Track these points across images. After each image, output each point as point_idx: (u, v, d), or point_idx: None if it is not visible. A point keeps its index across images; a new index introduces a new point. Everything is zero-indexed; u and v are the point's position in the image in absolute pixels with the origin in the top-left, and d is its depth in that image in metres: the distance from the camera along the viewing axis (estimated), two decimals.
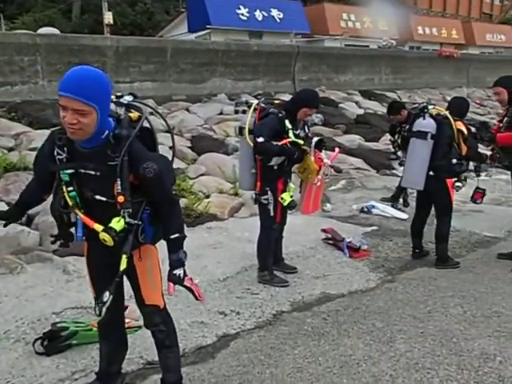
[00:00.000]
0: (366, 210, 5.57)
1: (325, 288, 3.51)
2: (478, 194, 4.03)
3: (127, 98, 1.94)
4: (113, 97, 1.88)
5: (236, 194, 5.95)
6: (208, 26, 19.02)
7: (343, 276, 3.74)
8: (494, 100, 4.22)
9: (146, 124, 1.96)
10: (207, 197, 5.89)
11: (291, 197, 3.40)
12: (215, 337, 2.81)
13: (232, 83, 12.01)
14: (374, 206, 5.61)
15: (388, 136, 5.83)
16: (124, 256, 1.86)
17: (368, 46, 20.47)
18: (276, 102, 3.56)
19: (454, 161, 3.68)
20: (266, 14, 20.94)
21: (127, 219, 1.84)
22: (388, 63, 15.73)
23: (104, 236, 1.81)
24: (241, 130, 3.45)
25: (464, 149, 3.78)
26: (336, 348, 2.69)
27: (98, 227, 1.85)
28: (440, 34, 29.41)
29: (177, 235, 1.95)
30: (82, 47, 9.30)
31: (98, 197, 1.87)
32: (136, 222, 1.88)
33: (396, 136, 5.59)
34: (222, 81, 11.82)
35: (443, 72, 17.22)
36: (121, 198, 1.80)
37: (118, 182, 1.80)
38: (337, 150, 4.05)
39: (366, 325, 2.96)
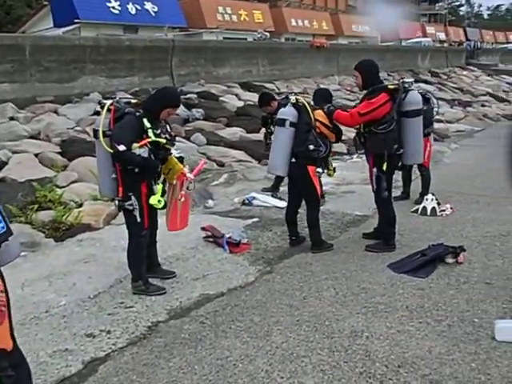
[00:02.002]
0: (247, 202, 5.60)
1: (204, 289, 3.42)
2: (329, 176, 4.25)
3: None
4: None
5: (113, 200, 5.58)
6: (76, 21, 17.72)
7: (223, 274, 3.68)
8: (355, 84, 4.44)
9: None
10: (80, 205, 5.45)
11: (162, 196, 3.22)
12: (81, 364, 2.55)
13: (105, 81, 11.30)
14: (254, 198, 5.66)
15: None
16: None
17: (246, 39, 20.81)
18: (133, 101, 3.34)
19: (311, 147, 3.81)
20: (139, 8, 20.12)
21: None
22: (265, 55, 16.11)
23: None
24: (95, 132, 3.17)
25: (332, 136, 3.95)
26: (213, 352, 2.61)
27: None
28: (312, 26, 31.03)
29: None
30: None
31: None
32: None
33: (268, 127, 5.72)
34: (93, 79, 11.06)
35: (316, 62, 18.16)
36: None
37: None
38: (201, 162, 3.93)
39: (244, 321, 2.93)
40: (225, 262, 3.92)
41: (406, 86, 3.80)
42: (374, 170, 3.91)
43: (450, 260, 3.67)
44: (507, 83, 25.73)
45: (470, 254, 3.80)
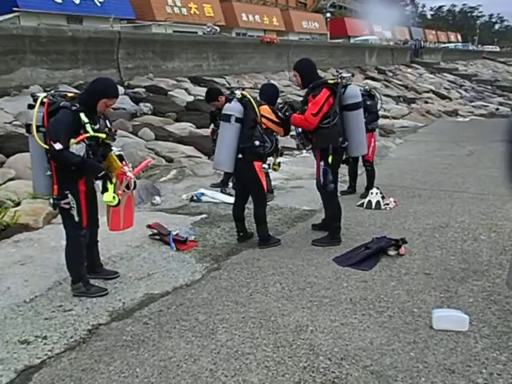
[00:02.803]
0: (195, 198, 5.52)
1: (148, 289, 3.32)
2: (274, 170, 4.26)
3: None
4: None
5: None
6: (15, 9, 16.73)
7: (169, 272, 3.60)
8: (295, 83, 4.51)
9: None
10: (17, 204, 5.15)
11: (114, 192, 3.08)
12: (14, 373, 2.40)
13: (47, 73, 10.78)
14: (203, 194, 5.59)
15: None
16: None
17: (197, 33, 20.52)
18: (69, 94, 3.16)
19: (257, 143, 3.80)
20: None
21: None
22: (215, 49, 15.97)
23: None
24: (28, 127, 2.98)
25: (280, 130, 3.95)
26: (156, 353, 2.54)
27: None
28: (263, 21, 31.10)
29: None
30: None
31: None
32: None
33: (216, 123, 5.66)
34: (33, 71, 10.52)
35: (266, 57, 18.25)
36: None
37: None
38: (146, 160, 3.82)
39: (189, 320, 2.87)
40: (171, 260, 3.84)
41: (344, 80, 3.89)
42: (322, 163, 3.96)
43: (392, 252, 3.78)
44: (448, 81, 27.06)
45: (411, 246, 3.94)
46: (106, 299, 3.16)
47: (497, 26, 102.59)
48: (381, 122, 12.67)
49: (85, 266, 3.23)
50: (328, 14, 36.72)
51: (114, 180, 3.13)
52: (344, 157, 4.14)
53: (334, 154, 3.86)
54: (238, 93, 3.95)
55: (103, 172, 3.03)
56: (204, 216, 4.96)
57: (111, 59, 12.29)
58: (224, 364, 2.44)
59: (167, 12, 22.82)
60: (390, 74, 25.34)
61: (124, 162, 3.27)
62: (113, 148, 3.26)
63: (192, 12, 24.77)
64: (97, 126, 3.05)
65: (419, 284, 3.28)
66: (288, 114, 3.93)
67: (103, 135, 3.06)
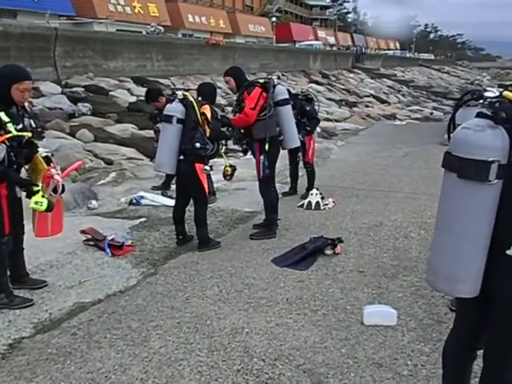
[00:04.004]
0: (134, 201, 5.37)
1: (79, 297, 3.17)
2: (226, 174, 4.26)
3: None
4: None
5: None
6: None
7: (102, 279, 3.46)
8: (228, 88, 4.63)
9: None
10: None
11: (43, 197, 2.88)
12: None
13: None
14: (143, 197, 5.44)
15: None
16: None
17: (141, 32, 20.08)
18: None
19: (198, 145, 3.79)
20: None
21: None
22: (159, 50, 15.71)
23: None
24: None
25: (208, 131, 3.93)
26: (83, 365, 2.42)
27: None
28: (209, 23, 31.01)
29: None
30: None
31: None
32: None
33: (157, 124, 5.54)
34: None
35: (212, 59, 18.18)
36: None
37: None
38: (77, 162, 3.65)
39: (121, 329, 2.77)
40: (105, 266, 3.69)
41: (272, 81, 4.17)
42: (261, 157, 4.14)
43: (328, 251, 3.86)
44: (387, 86, 28.26)
45: (346, 245, 4.04)
46: (31, 310, 2.98)
47: (432, 36, 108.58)
48: (324, 124, 13.10)
49: (7, 275, 3.03)
50: (274, 19, 37.23)
51: (40, 184, 2.96)
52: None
53: (271, 145, 4.08)
54: (179, 93, 3.92)
55: (27, 187, 2.85)
56: (143, 220, 4.83)
57: (47, 57, 11.74)
58: (155, 372, 2.37)
59: (109, 10, 22.19)
60: (333, 79, 26.10)
61: (52, 164, 3.10)
62: (39, 149, 3.09)
63: (136, 11, 24.24)
64: (20, 126, 2.87)
65: (353, 282, 3.37)
66: (226, 120, 4.04)
67: (29, 134, 2.89)
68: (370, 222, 4.70)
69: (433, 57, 68.07)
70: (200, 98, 4.09)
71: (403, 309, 2.96)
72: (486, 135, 1.38)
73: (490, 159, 1.36)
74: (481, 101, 1.42)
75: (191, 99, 3.87)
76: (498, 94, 1.39)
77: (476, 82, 39.46)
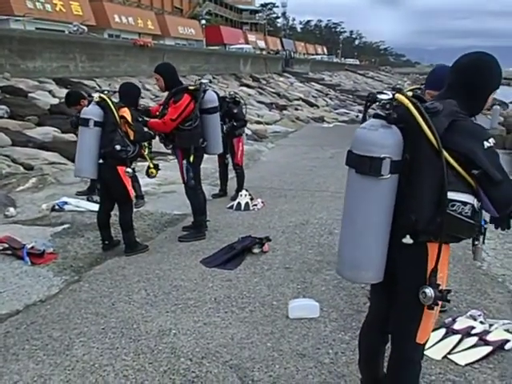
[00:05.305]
0: (57, 207, 5.13)
1: None
2: (151, 175, 4.24)
3: None
4: None
5: None
6: None
7: (20, 289, 3.28)
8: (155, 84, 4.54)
9: None
10: None
11: None
12: None
13: None
14: (66, 203, 5.22)
15: None
16: None
17: (64, 31, 19.15)
18: None
19: (118, 147, 3.70)
20: None
21: None
22: (83, 50, 15.09)
23: None
24: None
25: (131, 133, 3.86)
26: None
27: None
28: (137, 24, 30.28)
29: None
30: None
31: None
32: None
33: None
34: None
35: (140, 61, 17.78)
36: None
37: None
38: None
39: (41, 339, 2.66)
40: (24, 275, 3.51)
41: (203, 86, 4.12)
42: (184, 162, 4.19)
43: (256, 250, 3.95)
44: (316, 90, 29.27)
45: (274, 243, 4.16)
46: None
47: (357, 42, 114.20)
48: (255, 127, 13.31)
49: None
50: (203, 21, 37.17)
51: None
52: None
53: (196, 153, 4.13)
54: (95, 96, 3.80)
55: None
56: (66, 226, 4.64)
57: None
58: (78, 380, 2.30)
59: (28, 7, 20.91)
60: (264, 82, 26.55)
61: None
62: None
63: (57, 9, 23.06)
64: None
65: (279, 278, 3.49)
66: (142, 120, 3.95)
67: None
68: (296, 221, 4.87)
69: (358, 62, 71.60)
70: (118, 100, 3.97)
71: (326, 301, 3.11)
72: (378, 134, 1.52)
73: (382, 156, 1.50)
74: (376, 103, 1.55)
75: (108, 101, 3.75)
76: (391, 96, 1.54)
77: (397, 86, 42.04)
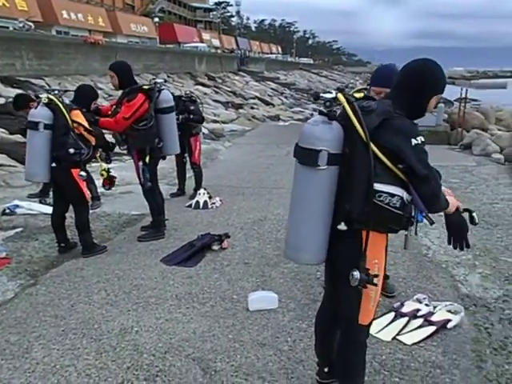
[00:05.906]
0: (8, 211, 4.98)
1: None
2: (106, 181, 4.13)
3: None
4: None
5: None
6: None
7: None
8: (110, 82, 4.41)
9: None
10: None
11: None
12: None
13: None
14: (18, 206, 5.08)
15: None
16: None
17: (8, 28, 18.32)
18: None
19: (72, 150, 3.63)
20: None
21: None
22: (30, 47, 14.52)
23: None
24: None
25: (92, 139, 3.79)
26: None
27: None
28: (87, 21, 29.42)
29: None
30: None
31: None
32: None
33: None
34: None
35: (91, 59, 17.31)
36: None
37: None
38: None
39: None
40: None
41: (158, 85, 4.10)
42: (140, 163, 4.15)
43: (215, 247, 4.02)
44: (271, 89, 29.59)
45: (233, 240, 4.24)
46: None
47: (310, 41, 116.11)
48: (211, 126, 13.33)
49: None
50: (156, 19, 36.62)
51: None
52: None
53: (151, 154, 4.10)
54: (43, 97, 3.66)
55: None
56: (19, 230, 4.52)
57: None
58: (39, 382, 2.29)
59: None
60: (220, 81, 26.56)
61: None
62: None
63: (0, 4, 22.01)
64: None
65: (239, 273, 3.58)
66: (93, 119, 3.88)
67: None
68: (254, 217, 4.98)
69: (312, 61, 72.88)
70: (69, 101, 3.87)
71: (284, 293, 3.23)
72: (318, 129, 1.67)
73: (319, 148, 1.65)
74: (319, 100, 1.69)
75: (58, 102, 3.62)
76: (334, 95, 1.67)
77: (350, 85, 43.15)
